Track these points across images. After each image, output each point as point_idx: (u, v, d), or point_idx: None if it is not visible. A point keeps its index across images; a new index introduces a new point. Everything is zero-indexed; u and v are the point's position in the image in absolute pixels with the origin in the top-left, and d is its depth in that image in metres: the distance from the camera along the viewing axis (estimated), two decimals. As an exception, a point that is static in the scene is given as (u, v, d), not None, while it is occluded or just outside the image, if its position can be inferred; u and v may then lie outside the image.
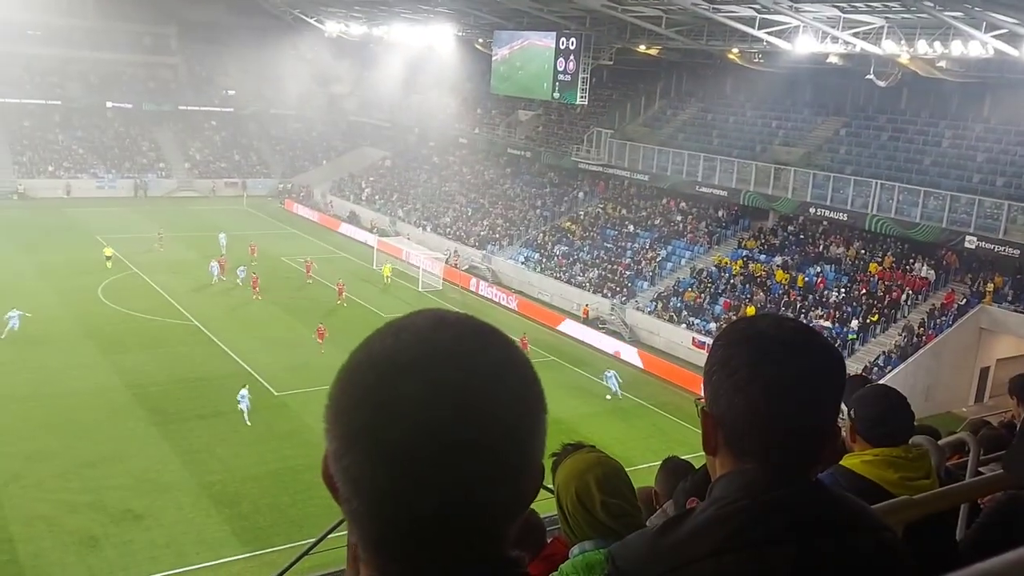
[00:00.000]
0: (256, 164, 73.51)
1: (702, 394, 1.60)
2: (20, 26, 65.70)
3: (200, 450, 25.06)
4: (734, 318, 36.10)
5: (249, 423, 26.84)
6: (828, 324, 34.41)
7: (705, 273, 40.82)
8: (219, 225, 54.00)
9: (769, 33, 34.51)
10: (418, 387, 1.01)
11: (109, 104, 70.05)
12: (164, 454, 24.63)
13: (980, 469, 3.21)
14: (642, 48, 45.18)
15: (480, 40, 54.92)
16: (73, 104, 68.83)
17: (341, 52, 68.45)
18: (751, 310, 36.30)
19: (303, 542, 20.14)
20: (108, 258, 43.31)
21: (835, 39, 33.23)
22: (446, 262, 48.40)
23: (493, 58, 52.27)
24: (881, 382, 3.18)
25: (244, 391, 27.64)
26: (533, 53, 48.75)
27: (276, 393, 29.82)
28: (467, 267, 48.91)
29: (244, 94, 75.19)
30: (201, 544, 20.56)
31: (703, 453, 1.64)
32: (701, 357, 35.72)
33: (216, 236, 48.89)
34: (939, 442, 3.38)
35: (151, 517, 21.36)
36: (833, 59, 34.49)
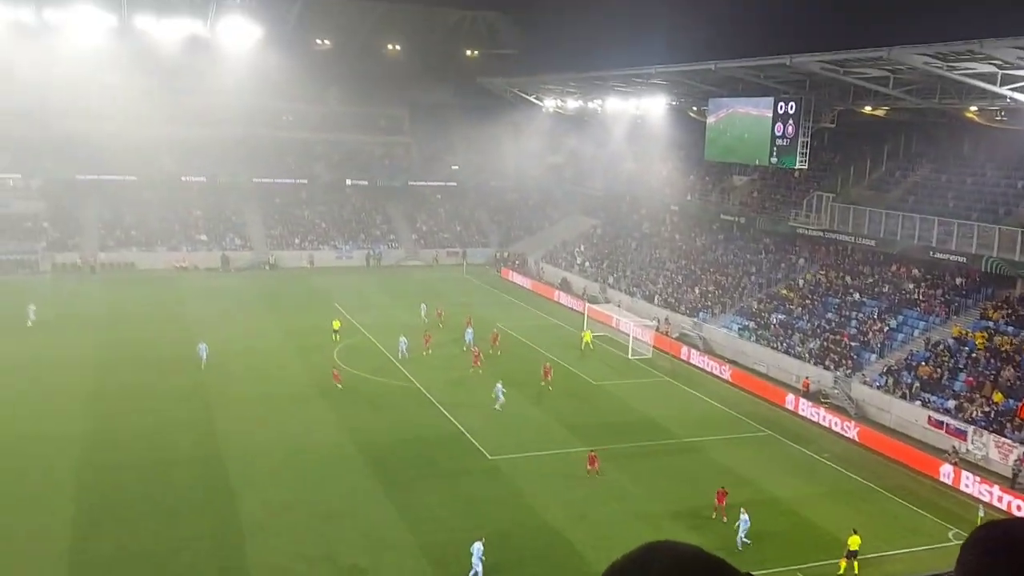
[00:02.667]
0: (475, 234, 77.25)
1: None
2: (275, 112, 74.74)
3: (420, 509, 26.20)
4: (979, 401, 32.87)
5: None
6: (1093, 407, 30.55)
7: (942, 346, 37.65)
8: (438, 292, 57.13)
9: (1013, 89, 31.97)
10: None
11: (348, 181, 76.83)
12: (388, 512, 25.98)
13: None
14: (867, 109, 43.25)
15: (694, 108, 54.92)
16: (317, 182, 76.07)
17: (557, 125, 71.11)
18: (998, 396, 32.94)
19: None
20: (336, 331, 45.91)
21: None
22: (656, 329, 48.02)
23: (707, 125, 52.02)
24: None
25: (499, 385, 35.51)
26: (749, 119, 48.04)
27: (490, 457, 30.73)
28: (677, 335, 48.23)
29: (467, 168, 79.76)
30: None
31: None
32: (937, 437, 32.84)
33: (418, 306, 51.42)
34: None
35: (374, 574, 22.53)
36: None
